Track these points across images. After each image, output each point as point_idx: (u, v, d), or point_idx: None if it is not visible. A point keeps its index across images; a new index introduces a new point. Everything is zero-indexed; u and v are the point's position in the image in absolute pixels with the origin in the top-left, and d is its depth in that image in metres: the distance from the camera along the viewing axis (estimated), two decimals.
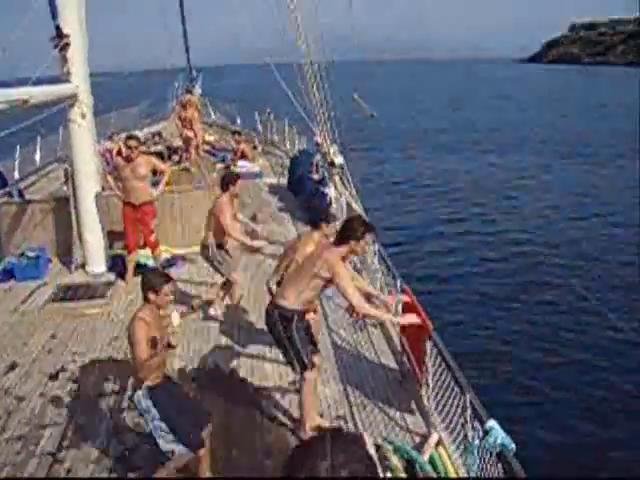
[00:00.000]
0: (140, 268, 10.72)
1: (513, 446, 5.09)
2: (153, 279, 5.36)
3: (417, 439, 6.50)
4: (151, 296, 5.33)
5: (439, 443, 6.28)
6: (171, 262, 11.56)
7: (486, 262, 17.06)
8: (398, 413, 6.96)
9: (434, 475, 5.90)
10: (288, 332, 6.09)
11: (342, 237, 5.98)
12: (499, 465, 5.18)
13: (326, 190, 13.26)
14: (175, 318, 5.72)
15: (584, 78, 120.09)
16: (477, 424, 5.37)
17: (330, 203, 13.09)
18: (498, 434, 5.08)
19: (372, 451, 5.89)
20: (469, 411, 5.51)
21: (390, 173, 28.92)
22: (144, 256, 10.98)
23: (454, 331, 12.16)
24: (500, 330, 12.78)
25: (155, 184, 10.93)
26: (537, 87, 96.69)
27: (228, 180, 8.98)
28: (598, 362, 11.18)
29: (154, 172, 11.07)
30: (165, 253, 11.46)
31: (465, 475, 5.74)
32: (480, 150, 35.67)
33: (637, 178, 27.12)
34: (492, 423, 5.16)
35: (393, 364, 7.90)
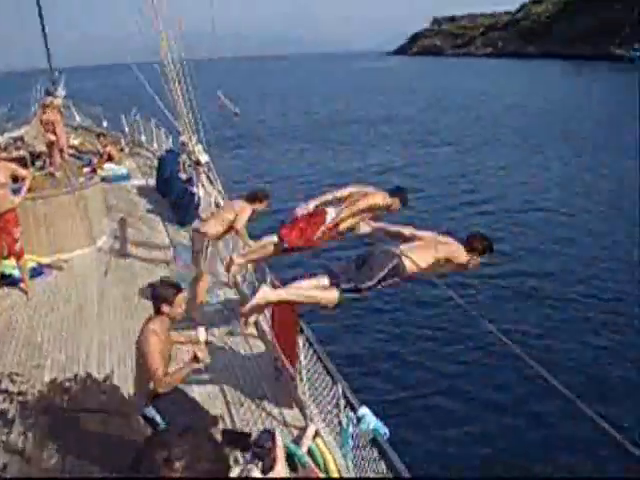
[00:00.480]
0: (4, 279, 10.23)
1: (386, 431, 5.23)
2: (165, 291, 5.28)
3: (295, 432, 6.55)
4: (165, 309, 5.27)
5: (317, 434, 6.36)
6: (38, 271, 11.00)
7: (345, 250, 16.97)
8: (275, 408, 6.99)
9: (313, 467, 5.97)
10: None
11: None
12: (374, 450, 5.31)
13: (194, 189, 13.06)
14: (202, 333, 5.61)
15: (444, 67, 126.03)
16: (350, 412, 5.48)
17: (199, 202, 12.91)
18: (370, 420, 5.20)
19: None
20: (342, 400, 5.61)
21: (262, 170, 28.89)
22: (9, 266, 10.37)
23: (325, 323, 12.35)
24: (372, 321, 13.07)
25: (16, 191, 10.30)
26: (397, 78, 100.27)
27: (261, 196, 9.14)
28: (462, 350, 11.65)
29: (15, 179, 10.43)
30: (31, 262, 10.88)
31: (343, 463, 5.84)
32: (350, 144, 36.30)
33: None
34: (364, 410, 5.28)
35: (267, 360, 7.91)
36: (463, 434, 9.24)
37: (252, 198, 9.16)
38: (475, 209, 21.86)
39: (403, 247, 6.05)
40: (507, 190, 24.57)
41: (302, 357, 6.50)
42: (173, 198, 15.26)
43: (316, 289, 5.90)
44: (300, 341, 6.47)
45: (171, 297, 5.27)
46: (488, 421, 9.57)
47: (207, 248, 8.98)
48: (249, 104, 49.42)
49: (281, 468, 2.34)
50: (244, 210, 8.98)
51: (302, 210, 7.44)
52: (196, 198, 12.93)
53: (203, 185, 12.41)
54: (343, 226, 7.15)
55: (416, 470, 4.78)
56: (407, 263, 5.87)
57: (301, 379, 6.70)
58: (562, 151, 32.18)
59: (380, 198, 7.17)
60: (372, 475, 5.36)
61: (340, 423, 5.79)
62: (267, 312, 7.97)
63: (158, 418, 5.30)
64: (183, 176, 15.36)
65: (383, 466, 5.14)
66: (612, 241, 17.95)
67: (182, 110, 12.11)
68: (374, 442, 5.25)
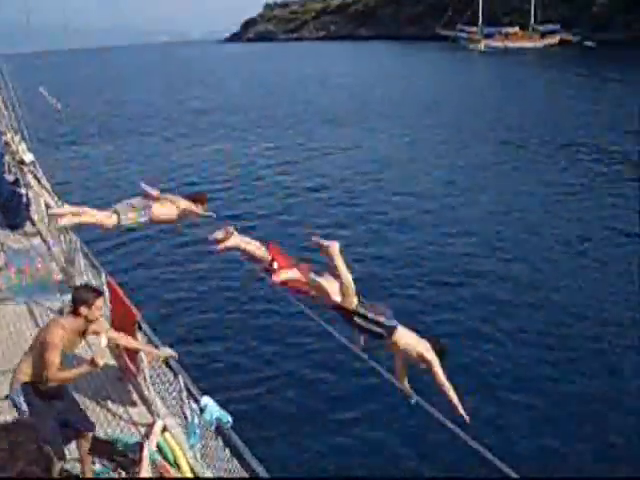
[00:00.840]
0: None
1: (229, 419, 5.36)
2: (85, 293, 5.39)
3: (143, 430, 6.50)
4: (83, 310, 5.28)
5: (164, 429, 6.35)
6: None
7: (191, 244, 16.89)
8: (121, 407, 6.89)
9: (163, 462, 5.97)
10: None
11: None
12: (219, 439, 5.41)
13: (22, 190, 12.37)
14: (103, 339, 5.72)
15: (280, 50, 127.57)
16: (194, 404, 5.54)
17: (29, 204, 12.27)
18: (213, 410, 5.30)
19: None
20: (184, 392, 5.65)
21: (95, 165, 27.63)
22: None
23: (163, 318, 12.28)
24: (209, 313, 13.08)
25: None
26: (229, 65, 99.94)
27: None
28: (300, 341, 11.83)
29: None
30: None
31: (191, 454, 5.89)
32: (188, 133, 35.54)
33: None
34: (206, 400, 5.37)
35: (110, 360, 7.75)
36: (304, 419, 9.45)
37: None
38: (317, 192, 22.33)
39: None
40: (340, 167, 25.53)
41: (142, 354, 6.45)
42: (1, 201, 14.34)
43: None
44: (139, 337, 6.42)
45: (91, 300, 5.33)
46: (327, 406, 9.81)
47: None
48: (74, 99, 47.03)
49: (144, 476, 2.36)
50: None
51: None
52: (24, 199, 12.27)
53: (31, 185, 11.79)
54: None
55: (261, 455, 4.93)
56: None
57: (144, 376, 6.64)
58: (389, 126, 33.84)
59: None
60: (219, 463, 5.47)
61: (185, 415, 5.84)
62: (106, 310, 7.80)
63: (24, 407, 5.20)
64: (10, 177, 14.44)
65: (228, 453, 5.27)
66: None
67: (1, 108, 11.44)
68: (219, 431, 5.36)
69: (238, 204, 20.76)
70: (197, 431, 5.64)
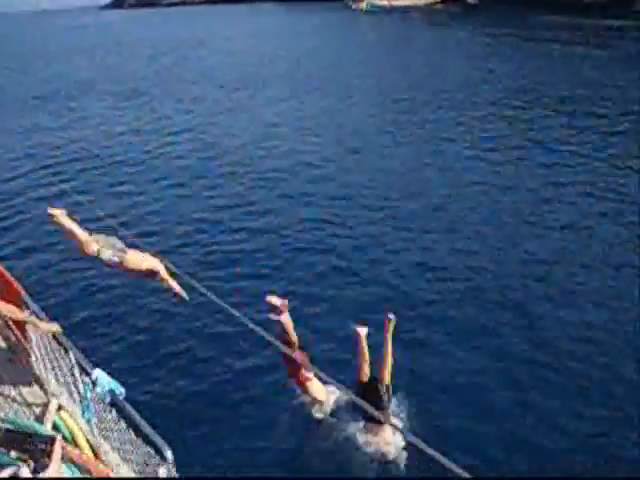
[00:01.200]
0: None
1: (122, 390, 5.30)
2: None
3: (38, 410, 6.33)
4: None
5: (60, 408, 6.21)
6: None
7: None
8: (14, 389, 6.66)
9: (62, 441, 5.85)
10: None
11: None
12: (114, 410, 5.35)
13: None
14: None
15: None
16: (86, 378, 5.44)
17: None
18: (105, 382, 5.22)
19: None
20: (76, 368, 5.54)
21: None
22: None
23: (49, 292, 12.00)
24: (97, 285, 12.89)
25: None
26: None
27: None
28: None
29: None
30: None
31: (88, 429, 5.80)
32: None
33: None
34: (97, 373, 5.29)
35: (0, 342, 7.47)
36: (199, 393, 9.50)
37: None
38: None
39: None
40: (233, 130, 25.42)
41: (32, 333, 6.25)
42: None
43: None
44: (27, 314, 6.20)
45: None
46: (220, 385, 9.77)
47: None
48: None
49: (57, 468, 2.30)
50: None
51: None
52: None
53: None
54: None
55: (157, 424, 4.90)
56: None
57: (35, 355, 6.45)
58: (277, 91, 33.95)
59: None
60: (116, 435, 5.41)
61: (79, 391, 5.72)
62: None
63: None
64: None
65: (123, 424, 5.22)
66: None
67: None
68: (113, 403, 5.29)
69: (126, 176, 20.21)
70: (91, 405, 5.55)
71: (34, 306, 6.14)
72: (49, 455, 2.33)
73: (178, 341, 10.70)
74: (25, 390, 6.68)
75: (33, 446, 2.35)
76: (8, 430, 2.41)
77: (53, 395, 6.35)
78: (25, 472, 2.28)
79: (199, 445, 7.98)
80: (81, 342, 6.25)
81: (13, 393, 6.63)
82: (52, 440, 2.40)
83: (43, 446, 2.36)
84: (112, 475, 5.47)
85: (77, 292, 12.52)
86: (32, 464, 2.31)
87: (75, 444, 5.82)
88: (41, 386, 6.62)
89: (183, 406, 9.01)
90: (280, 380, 9.16)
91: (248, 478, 7.82)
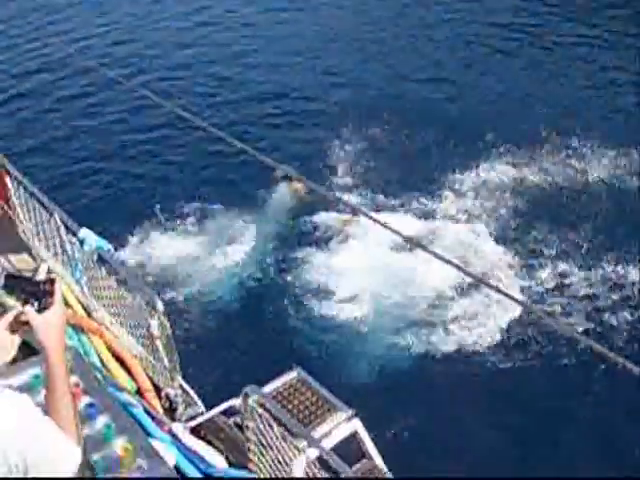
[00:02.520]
0: None
1: (109, 247, 5.37)
2: None
3: (27, 275, 6.40)
4: None
5: (49, 271, 6.28)
6: None
7: None
8: (2, 258, 6.70)
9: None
10: None
11: None
12: (102, 267, 5.44)
13: None
14: None
15: None
16: (73, 238, 5.49)
17: None
18: (92, 240, 5.27)
19: None
20: (62, 229, 5.58)
21: None
22: None
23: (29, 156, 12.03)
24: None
25: None
26: None
27: None
28: None
29: None
30: None
31: (78, 288, 5.92)
32: None
33: None
34: (85, 231, 5.33)
35: None
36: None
37: None
38: None
39: None
40: None
41: (14, 198, 6.25)
42: None
43: None
44: (9, 182, 6.18)
45: None
46: None
47: None
48: None
49: (59, 307, 2.35)
50: None
51: None
52: None
53: None
54: None
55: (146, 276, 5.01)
56: None
57: (19, 219, 6.47)
58: None
59: None
60: (106, 292, 5.54)
61: (66, 252, 5.79)
62: None
63: None
64: None
65: (113, 281, 5.33)
66: None
67: None
68: (101, 260, 5.38)
69: None
70: (80, 265, 5.64)
71: (15, 171, 6.09)
72: (51, 294, 2.39)
73: (165, 197, 10.91)
74: (13, 258, 6.73)
75: (35, 287, 2.40)
76: (8, 275, 2.45)
77: (42, 259, 6.43)
78: (31, 311, 2.35)
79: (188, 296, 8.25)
80: (66, 204, 6.25)
81: (2, 261, 6.69)
82: (52, 281, 2.45)
83: (44, 286, 2.41)
84: (104, 332, 5.65)
85: (56, 154, 12.55)
86: (36, 304, 2.37)
87: (67, 305, 5.96)
88: (29, 252, 6.68)
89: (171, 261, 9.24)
90: None
91: None
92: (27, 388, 3.62)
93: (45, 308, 2.35)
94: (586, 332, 8.47)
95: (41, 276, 2.53)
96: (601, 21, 17.90)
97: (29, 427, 2.10)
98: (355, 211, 10.40)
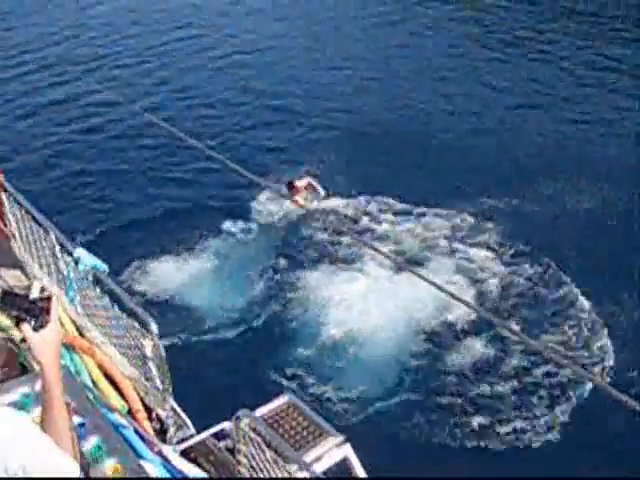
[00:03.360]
0: None
1: (105, 267, 5.36)
2: None
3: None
4: None
5: (43, 289, 6.25)
6: None
7: None
8: None
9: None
10: None
11: None
12: (97, 288, 5.43)
13: None
14: None
15: None
16: (68, 257, 5.48)
17: None
18: (87, 260, 5.26)
19: None
20: (57, 247, 5.57)
21: None
22: None
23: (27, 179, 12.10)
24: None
25: None
26: None
27: None
28: None
29: None
30: None
31: (72, 309, 5.89)
32: None
33: None
34: (79, 251, 5.32)
35: None
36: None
37: None
38: None
39: None
40: None
41: (11, 216, 6.25)
42: None
43: None
44: (4, 198, 6.18)
45: None
46: None
47: None
48: None
49: (55, 325, 2.36)
50: None
51: None
52: None
53: None
54: None
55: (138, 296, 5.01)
56: None
57: (15, 237, 6.46)
58: None
59: None
60: (100, 311, 5.51)
61: (61, 271, 5.78)
62: None
63: None
64: None
65: (107, 301, 5.31)
66: None
67: None
68: (95, 279, 5.37)
69: None
70: (74, 284, 5.62)
71: (12, 189, 6.10)
72: (48, 312, 2.39)
73: (161, 219, 10.94)
74: (7, 274, 6.70)
75: (32, 304, 2.40)
76: (4, 292, 2.45)
77: (35, 277, 6.40)
78: (28, 329, 2.35)
79: (181, 318, 8.24)
80: (62, 223, 6.26)
81: None
82: (48, 298, 2.45)
83: (41, 304, 2.41)
84: (97, 352, 5.62)
85: (54, 173, 12.59)
86: (32, 321, 2.37)
87: (60, 324, 5.92)
88: (22, 269, 6.66)
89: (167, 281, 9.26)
90: None
91: None
92: (17, 407, 3.59)
93: (42, 326, 2.35)
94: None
95: (34, 294, 2.52)
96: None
97: (28, 441, 2.09)
98: (349, 233, 10.47)
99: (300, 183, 11.80)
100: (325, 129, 14.63)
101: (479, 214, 11.43)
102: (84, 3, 24.44)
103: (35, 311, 2.39)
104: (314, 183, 12.00)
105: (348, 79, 17.27)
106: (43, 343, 2.33)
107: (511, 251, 10.61)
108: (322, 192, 11.92)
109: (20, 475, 2.03)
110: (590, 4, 21.40)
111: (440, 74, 17.08)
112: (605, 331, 9.12)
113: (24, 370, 4.43)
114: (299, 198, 11.35)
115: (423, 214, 11.48)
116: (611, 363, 8.67)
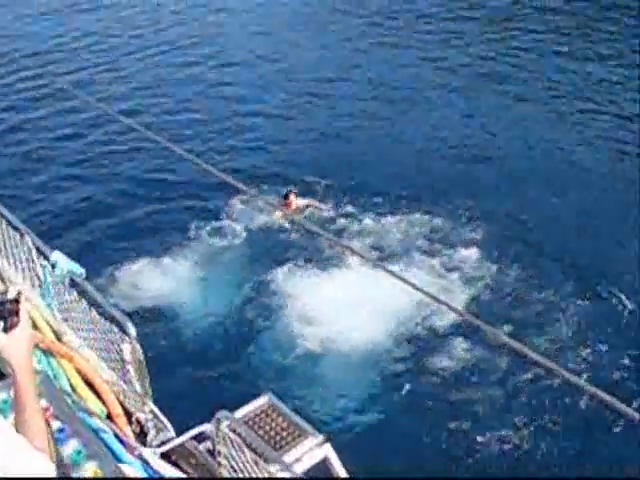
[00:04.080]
0: None
1: (82, 271, 5.33)
2: None
3: None
4: None
5: (19, 294, 6.20)
6: None
7: None
8: None
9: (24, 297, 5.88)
10: None
11: None
12: (74, 292, 5.40)
13: None
14: None
15: None
16: (44, 261, 5.45)
17: None
18: (64, 264, 5.24)
19: None
20: (34, 251, 5.53)
21: None
22: None
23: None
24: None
25: None
26: None
27: None
28: None
29: None
30: None
31: (49, 313, 5.84)
32: None
33: None
34: (56, 255, 5.29)
35: None
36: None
37: None
38: None
39: None
40: None
41: None
42: None
43: None
44: None
45: None
46: None
47: None
48: None
49: (25, 324, 2.36)
50: None
51: None
52: None
53: None
54: None
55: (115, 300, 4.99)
56: None
57: None
58: None
59: None
60: (78, 315, 5.49)
61: (37, 275, 5.74)
62: None
63: None
64: None
65: (85, 304, 5.28)
66: None
67: None
68: (73, 284, 5.34)
69: None
70: (51, 288, 5.59)
71: None
72: (17, 313, 2.39)
73: (133, 219, 10.87)
74: None
75: (1, 306, 2.40)
76: None
77: (10, 282, 6.34)
78: None
79: (160, 321, 8.21)
80: (38, 227, 6.21)
81: None
82: (17, 300, 2.45)
83: (9, 306, 2.40)
84: (75, 356, 5.59)
85: (31, 178, 12.52)
86: (1, 323, 2.37)
87: (36, 328, 5.88)
88: None
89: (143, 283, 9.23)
90: None
91: None
92: None
93: (11, 327, 2.35)
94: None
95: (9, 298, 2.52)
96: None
97: (3, 443, 2.09)
98: (330, 236, 10.44)
99: (299, 202, 11.75)
100: (309, 131, 14.62)
101: (463, 216, 11.48)
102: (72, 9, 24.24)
103: (4, 313, 2.39)
104: (316, 204, 11.88)
105: (333, 83, 17.25)
106: (13, 344, 2.32)
107: (496, 253, 10.64)
108: (324, 209, 11.80)
109: None
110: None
111: (424, 78, 17.10)
112: (590, 333, 9.15)
113: (1, 376, 4.40)
114: (287, 212, 11.26)
115: (406, 216, 11.52)
116: (599, 366, 8.66)
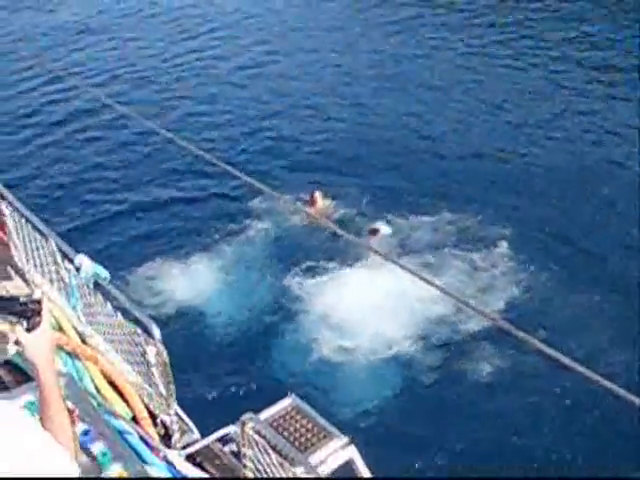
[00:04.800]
0: None
1: (106, 274, 5.36)
2: None
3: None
4: None
5: (42, 295, 6.26)
6: None
7: None
8: None
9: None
10: None
11: None
12: (99, 295, 5.43)
13: None
14: None
15: None
16: (69, 264, 5.48)
17: None
18: (89, 267, 5.27)
19: None
20: (58, 254, 5.57)
21: None
22: None
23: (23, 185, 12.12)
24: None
25: None
26: None
27: None
28: None
29: None
30: None
31: (74, 314, 5.89)
32: None
33: None
34: (80, 258, 5.32)
35: None
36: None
37: None
38: None
39: None
40: None
41: (10, 222, 6.24)
42: None
43: None
44: (3, 206, 6.18)
45: None
46: None
47: None
48: None
49: (47, 326, 2.41)
50: None
51: None
52: None
53: None
54: None
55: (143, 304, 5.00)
56: None
57: (14, 245, 6.45)
58: None
59: None
60: (102, 318, 5.51)
61: (62, 278, 5.78)
62: None
63: None
64: None
65: (110, 308, 5.31)
66: None
67: None
68: (97, 286, 5.36)
69: None
70: (76, 291, 5.62)
71: (10, 196, 6.10)
72: (39, 313, 2.42)
73: (164, 226, 10.95)
74: (7, 283, 6.69)
75: (23, 307, 2.43)
76: None
77: (36, 285, 6.40)
78: (21, 330, 2.38)
79: (185, 323, 8.23)
80: (62, 230, 6.26)
81: None
82: (39, 300, 2.49)
83: (32, 306, 2.44)
84: (100, 358, 5.62)
85: (55, 181, 12.62)
86: (24, 323, 2.40)
87: (62, 331, 5.92)
88: (23, 278, 6.65)
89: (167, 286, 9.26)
90: None
91: None
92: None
93: (34, 327, 2.40)
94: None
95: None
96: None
97: (29, 440, 2.11)
98: (361, 242, 10.30)
99: (325, 202, 11.76)
100: (332, 132, 14.60)
101: (492, 216, 11.25)
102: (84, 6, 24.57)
103: (27, 313, 2.43)
104: (341, 205, 11.82)
105: (351, 87, 17.16)
106: (36, 343, 2.37)
107: (527, 255, 10.33)
108: (348, 209, 11.71)
109: (19, 475, 2.04)
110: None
111: (438, 84, 16.93)
112: (629, 340, 8.78)
113: (28, 378, 4.43)
114: (312, 212, 11.13)
115: (433, 216, 11.35)
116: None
